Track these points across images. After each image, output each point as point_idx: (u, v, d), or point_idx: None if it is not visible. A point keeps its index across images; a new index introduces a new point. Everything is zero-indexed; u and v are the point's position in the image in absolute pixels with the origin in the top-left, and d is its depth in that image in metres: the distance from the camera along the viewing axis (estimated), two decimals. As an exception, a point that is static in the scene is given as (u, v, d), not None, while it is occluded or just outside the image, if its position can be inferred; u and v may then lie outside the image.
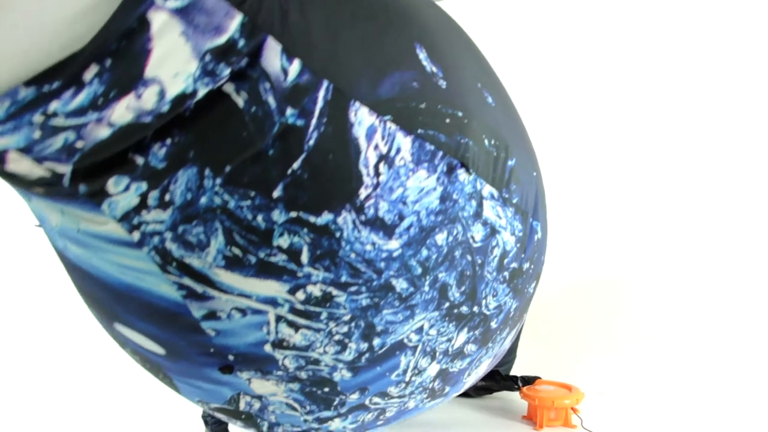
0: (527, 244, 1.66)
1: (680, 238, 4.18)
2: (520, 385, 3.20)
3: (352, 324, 1.36)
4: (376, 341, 1.42)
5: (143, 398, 3.36)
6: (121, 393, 3.51)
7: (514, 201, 1.58)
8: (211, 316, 1.28)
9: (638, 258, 4.30)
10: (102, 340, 4.48)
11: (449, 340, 1.58)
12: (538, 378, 3.25)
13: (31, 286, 5.12)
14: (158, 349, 1.41)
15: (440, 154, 1.33)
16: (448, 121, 1.35)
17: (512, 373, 3.57)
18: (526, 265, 1.69)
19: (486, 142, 1.48)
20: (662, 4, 4.08)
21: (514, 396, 3.45)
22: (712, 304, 4.05)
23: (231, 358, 1.37)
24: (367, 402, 1.58)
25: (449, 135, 1.35)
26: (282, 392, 1.47)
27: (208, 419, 2.82)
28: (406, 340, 1.47)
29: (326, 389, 1.49)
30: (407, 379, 1.58)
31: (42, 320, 4.90)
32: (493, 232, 1.52)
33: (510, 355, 3.57)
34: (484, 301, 1.58)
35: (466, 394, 3.52)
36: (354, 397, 1.54)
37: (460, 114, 1.38)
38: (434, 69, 1.36)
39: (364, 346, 1.42)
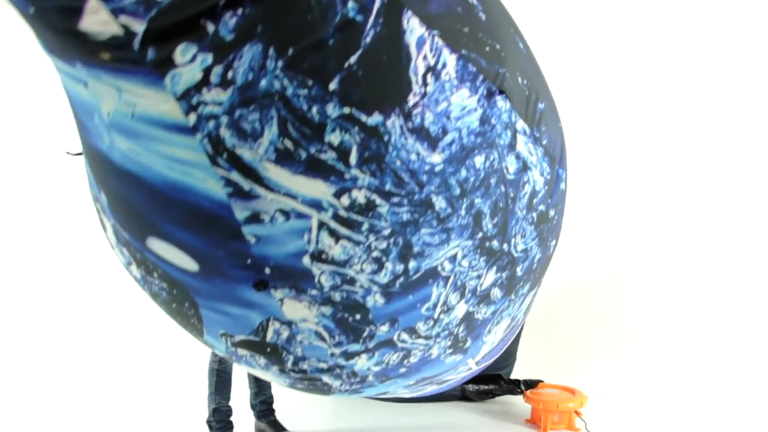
0: (554, 190, 1.70)
1: (683, 243, 4.21)
2: (523, 388, 3.20)
3: (391, 240, 1.37)
4: (412, 264, 1.43)
5: (143, 399, 3.30)
6: (122, 394, 3.44)
7: (544, 142, 1.62)
8: (254, 218, 1.28)
9: (640, 262, 4.33)
10: (102, 340, 4.36)
11: (479, 276, 1.58)
12: (541, 381, 3.24)
13: (31, 286, 5.04)
14: (192, 265, 1.39)
15: (481, 77, 1.38)
16: (487, 49, 1.40)
17: (514, 376, 3.54)
18: (551, 213, 1.72)
19: (519, 80, 1.52)
20: (660, 4, 4.14)
21: (516, 400, 3.42)
22: (714, 308, 4.07)
23: (267, 271, 1.36)
24: (395, 338, 1.57)
25: (489, 62, 1.40)
26: (313, 317, 1.46)
27: (212, 424, 2.74)
28: (439, 268, 1.48)
29: (358, 316, 1.48)
30: (436, 315, 1.57)
31: (42, 320, 4.78)
32: (525, 167, 1.55)
33: (510, 358, 3.55)
34: (513, 240, 1.60)
35: (469, 399, 3.49)
36: (383, 330, 1.53)
37: (497, 46, 1.43)
38: (474, 1, 1.42)
39: (399, 268, 1.42)
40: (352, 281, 1.40)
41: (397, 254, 1.40)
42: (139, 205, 1.34)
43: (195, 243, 1.34)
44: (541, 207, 1.65)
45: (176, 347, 4.41)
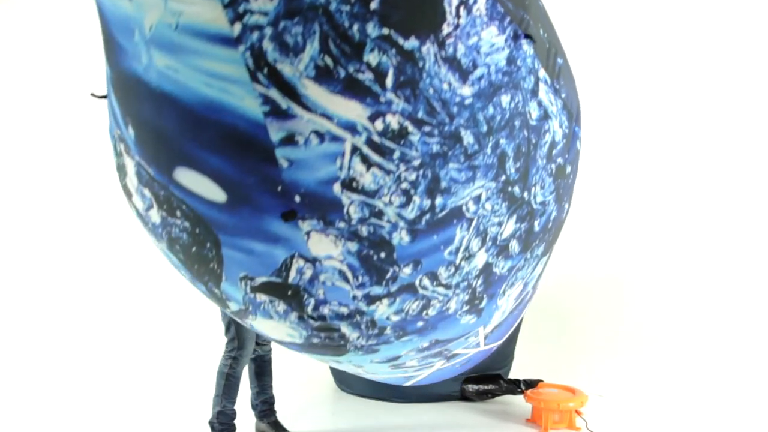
0: (570, 145, 1.73)
1: (683, 243, 4.26)
2: (523, 388, 3.18)
3: (420, 172, 1.39)
4: (438, 200, 1.44)
5: (144, 396, 3.26)
6: (123, 392, 3.40)
7: (563, 95, 1.66)
8: (289, 140, 1.29)
9: (639, 262, 4.37)
10: (104, 339, 4.29)
11: (500, 224, 1.60)
12: (541, 381, 3.23)
13: (32, 286, 4.95)
14: (219, 195, 1.40)
15: (508, 18, 1.42)
16: None
17: (512, 376, 3.53)
18: (568, 169, 1.75)
19: (540, 31, 1.58)
20: (658, 5, 4.21)
21: (516, 399, 3.40)
22: (714, 308, 4.10)
23: (297, 199, 1.36)
24: (417, 282, 1.58)
25: (515, 6, 1.45)
26: (339, 254, 1.46)
27: (215, 425, 2.70)
28: (464, 208, 1.49)
29: (383, 254, 1.48)
30: (458, 260, 1.58)
31: (47, 322, 4.70)
32: (546, 115, 1.59)
33: (507, 358, 3.54)
34: (533, 189, 1.63)
35: (468, 399, 3.45)
36: (406, 272, 1.54)
37: None
38: None
39: (426, 203, 1.43)
40: (380, 214, 1.42)
41: (425, 188, 1.41)
42: (171, 129, 1.34)
43: (225, 169, 1.35)
44: (560, 160, 1.68)
45: (179, 346, 4.34)
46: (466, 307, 1.78)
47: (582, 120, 1.84)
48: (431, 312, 1.70)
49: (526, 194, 1.62)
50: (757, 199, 4.07)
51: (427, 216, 1.46)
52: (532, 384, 3.28)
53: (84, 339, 4.64)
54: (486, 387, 3.48)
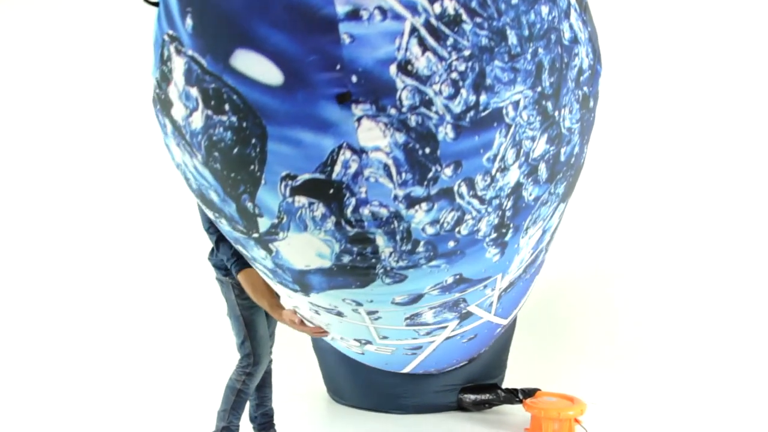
0: (594, 80, 1.85)
1: (678, 250, 4.34)
2: (521, 397, 3.20)
3: (469, 64, 1.48)
4: (483, 98, 1.53)
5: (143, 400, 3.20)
6: (124, 401, 3.32)
7: (589, 29, 1.79)
8: (354, 14, 1.37)
9: (635, 270, 4.43)
10: (101, 340, 4.21)
11: (533, 139, 1.68)
12: (538, 390, 3.24)
13: (31, 286, 4.79)
14: (276, 78, 1.45)
15: None
16: None
17: (510, 386, 3.51)
18: (591, 102, 1.86)
19: None
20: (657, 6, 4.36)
21: (513, 409, 3.39)
22: (712, 314, 4.16)
23: (354, 79, 1.43)
24: (455, 188, 1.63)
25: None
26: (386, 145, 1.52)
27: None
28: (504, 112, 1.58)
29: (427, 150, 1.54)
30: (494, 170, 1.65)
31: (42, 320, 4.53)
32: (575, 39, 1.71)
33: (501, 367, 3.59)
34: (563, 111, 1.73)
35: (466, 409, 3.44)
36: (447, 173, 1.59)
37: None
38: None
39: (472, 99, 1.51)
40: (429, 104, 1.49)
41: (472, 81, 1.50)
42: (238, 7, 1.41)
43: (287, 46, 1.41)
44: (585, 89, 1.80)
45: (183, 355, 4.23)
46: (494, 234, 1.83)
47: (602, 63, 1.96)
48: (463, 230, 1.74)
49: (556, 114, 1.71)
50: (756, 211, 4.20)
51: (471, 113, 1.53)
52: (530, 393, 3.29)
53: (86, 343, 4.53)
54: (483, 397, 3.46)
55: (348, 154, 1.54)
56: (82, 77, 4.95)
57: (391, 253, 1.74)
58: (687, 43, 4.40)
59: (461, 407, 3.52)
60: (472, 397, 3.49)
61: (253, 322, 2.72)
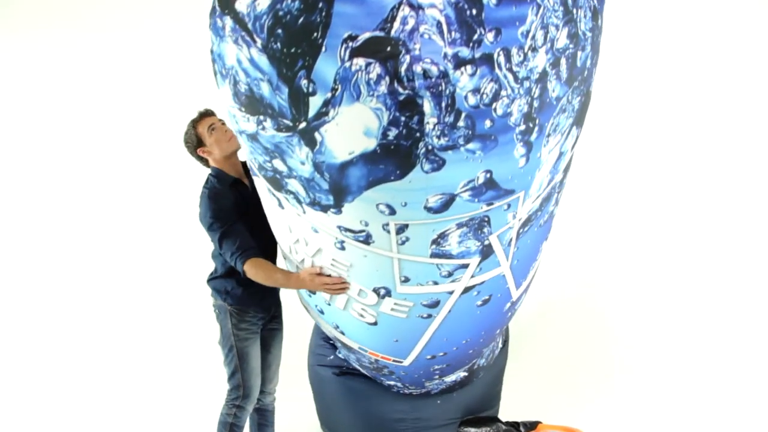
0: (600, 1, 2.18)
1: (674, 269, 4.38)
2: (523, 430, 3.27)
3: (509, -62, 1.78)
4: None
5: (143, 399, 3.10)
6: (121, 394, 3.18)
7: None
8: None
9: (626, 299, 4.44)
10: (101, 340, 4.09)
11: (557, 27, 1.95)
12: (540, 423, 3.32)
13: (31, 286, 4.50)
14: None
15: None
16: None
17: (511, 419, 3.51)
18: (600, 19, 2.16)
19: None
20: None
21: None
22: (711, 339, 4.16)
23: (416, -62, 1.70)
24: (495, 54, 1.84)
25: None
26: (440, 2, 1.75)
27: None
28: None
29: (474, 11, 1.78)
30: (526, 47, 1.88)
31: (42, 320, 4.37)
32: None
33: (495, 398, 3.65)
34: (579, 11, 2.02)
35: None
36: (489, 38, 1.82)
37: None
38: None
39: (511, -30, 1.80)
40: None
41: (511, -46, 1.79)
42: None
43: None
44: (595, 2, 2.11)
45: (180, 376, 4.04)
46: (522, 126, 2.01)
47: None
48: (498, 109, 1.93)
49: (575, 11, 2.00)
50: (751, 226, 4.39)
51: None
52: (532, 426, 3.30)
53: (84, 344, 4.36)
54: (484, 430, 3.42)
55: (407, 10, 1.76)
56: (81, 77, 5.09)
57: (435, 125, 1.90)
58: (682, 44, 4.57)
59: None
60: (473, 430, 3.43)
61: (246, 355, 2.71)
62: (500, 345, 3.67)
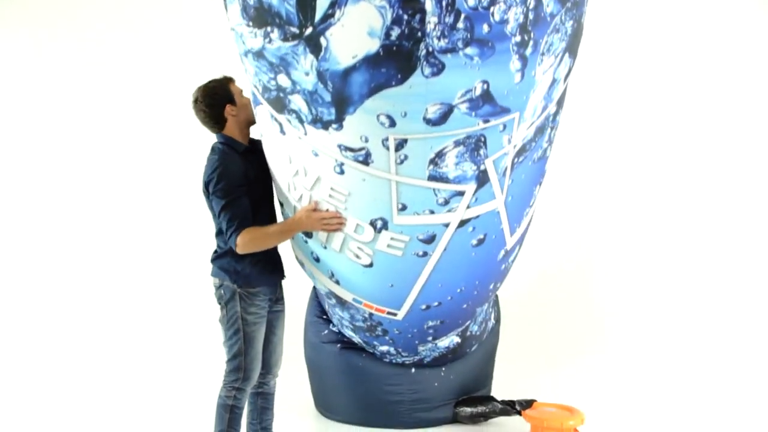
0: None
1: (666, 249, 4.39)
2: (519, 409, 3.25)
3: None
4: None
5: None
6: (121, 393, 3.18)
7: None
8: None
9: (617, 273, 4.44)
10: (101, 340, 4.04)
11: None
12: (535, 401, 3.31)
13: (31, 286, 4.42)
14: None
15: None
16: None
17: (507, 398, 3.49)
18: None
19: None
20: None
21: (508, 421, 3.42)
22: (703, 315, 4.17)
23: None
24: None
25: None
26: None
27: None
28: None
29: None
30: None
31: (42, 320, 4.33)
32: None
33: (487, 378, 3.67)
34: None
35: (460, 422, 3.46)
36: None
37: None
38: None
39: None
40: None
41: None
42: None
43: None
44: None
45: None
46: (518, 37, 2.12)
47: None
48: (496, 15, 2.04)
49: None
50: (742, 212, 4.46)
51: None
52: (527, 404, 3.29)
53: (82, 343, 4.26)
54: (480, 409, 3.42)
55: None
56: (81, 76, 5.14)
57: (435, 25, 1.99)
58: (682, 44, 4.69)
59: (456, 420, 3.47)
60: (469, 410, 3.44)
61: (253, 339, 2.63)
62: (492, 321, 3.66)
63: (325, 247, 2.75)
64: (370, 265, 2.73)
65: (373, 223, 2.55)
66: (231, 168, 2.56)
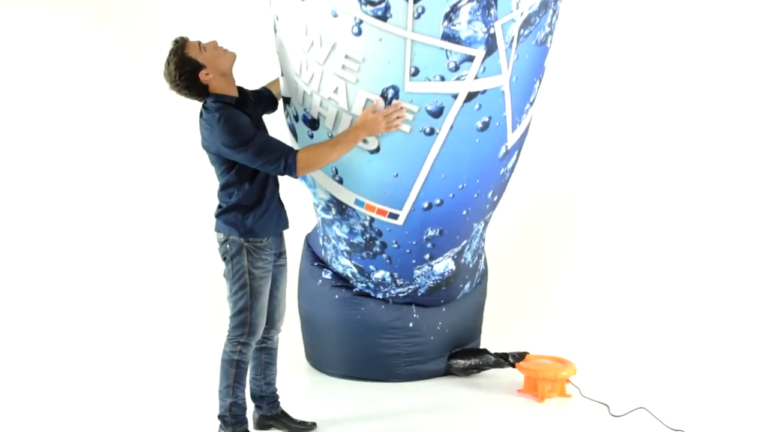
0: None
1: (659, 195, 4.43)
2: (512, 361, 3.37)
3: None
4: None
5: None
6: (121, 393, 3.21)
7: None
8: None
9: (610, 227, 4.61)
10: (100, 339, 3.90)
11: None
12: (527, 353, 3.41)
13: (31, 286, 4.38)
14: None
15: None
16: None
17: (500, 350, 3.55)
18: None
19: None
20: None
21: (501, 373, 3.47)
22: (694, 262, 4.39)
23: None
24: None
25: None
26: None
27: (227, 419, 2.67)
28: None
29: None
30: None
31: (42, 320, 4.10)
32: None
33: (476, 332, 3.74)
34: None
35: (452, 374, 3.51)
36: None
37: None
38: None
39: None
40: None
41: None
42: None
43: None
44: None
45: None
46: None
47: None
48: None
49: None
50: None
51: None
52: (520, 357, 3.35)
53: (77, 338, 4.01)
54: (473, 362, 3.45)
55: None
56: (80, 76, 5.06)
57: None
58: (681, 44, 4.81)
59: (449, 373, 3.48)
60: (462, 362, 3.46)
61: (260, 294, 2.60)
62: (483, 266, 3.67)
63: (331, 135, 2.78)
64: (377, 149, 2.77)
65: (384, 94, 2.62)
66: (238, 120, 2.47)
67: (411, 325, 3.35)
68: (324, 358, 3.55)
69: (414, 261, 3.17)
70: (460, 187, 2.93)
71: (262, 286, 2.59)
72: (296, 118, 2.93)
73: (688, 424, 2.79)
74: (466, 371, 3.45)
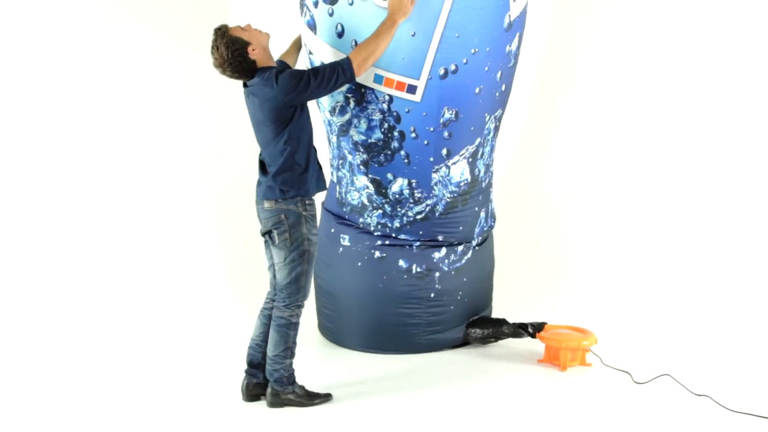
0: None
1: (663, 177, 4.55)
2: (531, 331, 3.37)
3: None
4: None
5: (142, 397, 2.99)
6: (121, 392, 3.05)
7: None
8: None
9: (619, 194, 4.64)
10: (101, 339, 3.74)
11: None
12: (546, 323, 3.42)
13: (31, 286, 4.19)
14: None
15: None
16: None
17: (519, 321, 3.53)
18: None
19: None
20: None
21: (518, 342, 3.48)
22: (701, 229, 4.40)
23: None
24: None
25: None
26: None
27: (288, 378, 2.77)
28: None
29: None
30: None
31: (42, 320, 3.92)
32: None
33: (487, 300, 3.73)
34: None
35: (468, 344, 3.51)
36: None
37: None
38: None
39: None
40: None
41: None
42: None
43: None
44: None
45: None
46: None
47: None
48: None
49: None
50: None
51: None
52: (540, 327, 3.36)
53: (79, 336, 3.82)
54: (491, 331, 3.44)
55: None
56: (80, 76, 4.93)
57: None
58: (681, 43, 4.83)
59: (466, 342, 3.47)
60: (480, 331, 3.44)
61: (313, 259, 2.75)
62: (491, 208, 3.63)
63: (351, 4, 2.88)
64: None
65: None
66: (286, 70, 2.70)
67: (432, 295, 3.34)
68: (339, 328, 3.50)
69: (432, 158, 3.15)
70: (473, 51, 2.97)
71: (315, 252, 2.76)
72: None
73: (712, 389, 2.81)
74: (484, 340, 3.44)
